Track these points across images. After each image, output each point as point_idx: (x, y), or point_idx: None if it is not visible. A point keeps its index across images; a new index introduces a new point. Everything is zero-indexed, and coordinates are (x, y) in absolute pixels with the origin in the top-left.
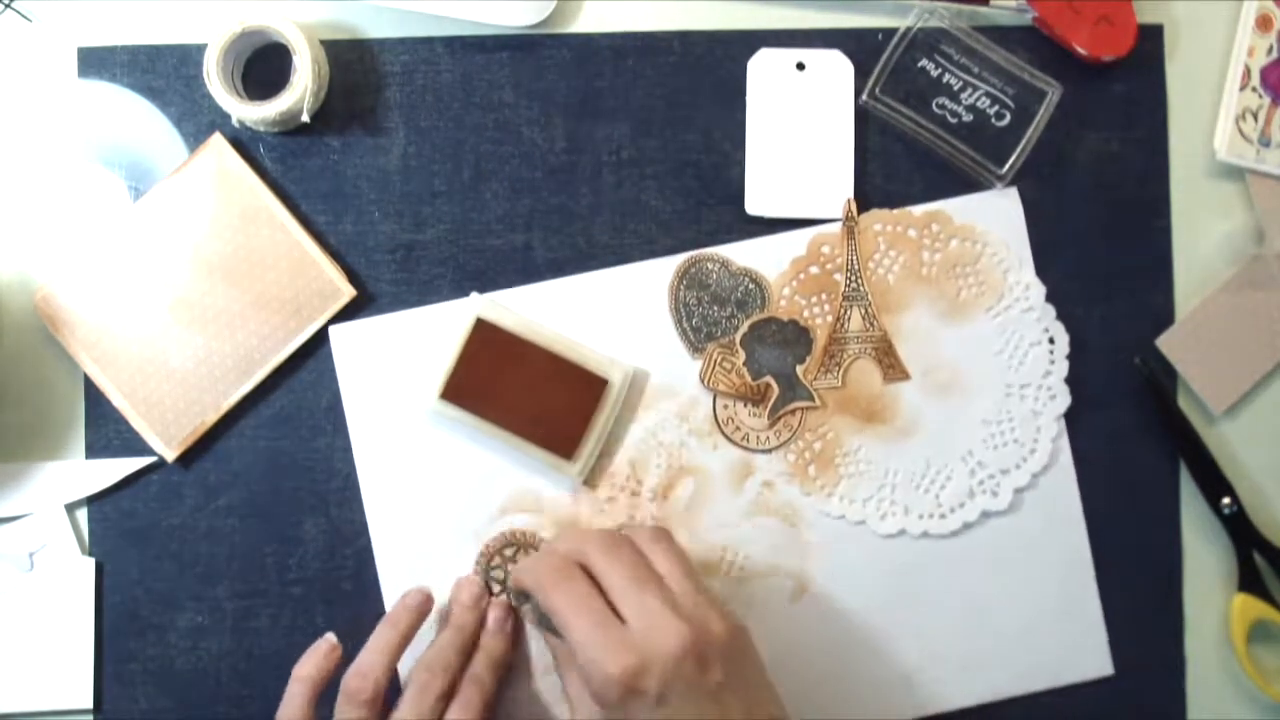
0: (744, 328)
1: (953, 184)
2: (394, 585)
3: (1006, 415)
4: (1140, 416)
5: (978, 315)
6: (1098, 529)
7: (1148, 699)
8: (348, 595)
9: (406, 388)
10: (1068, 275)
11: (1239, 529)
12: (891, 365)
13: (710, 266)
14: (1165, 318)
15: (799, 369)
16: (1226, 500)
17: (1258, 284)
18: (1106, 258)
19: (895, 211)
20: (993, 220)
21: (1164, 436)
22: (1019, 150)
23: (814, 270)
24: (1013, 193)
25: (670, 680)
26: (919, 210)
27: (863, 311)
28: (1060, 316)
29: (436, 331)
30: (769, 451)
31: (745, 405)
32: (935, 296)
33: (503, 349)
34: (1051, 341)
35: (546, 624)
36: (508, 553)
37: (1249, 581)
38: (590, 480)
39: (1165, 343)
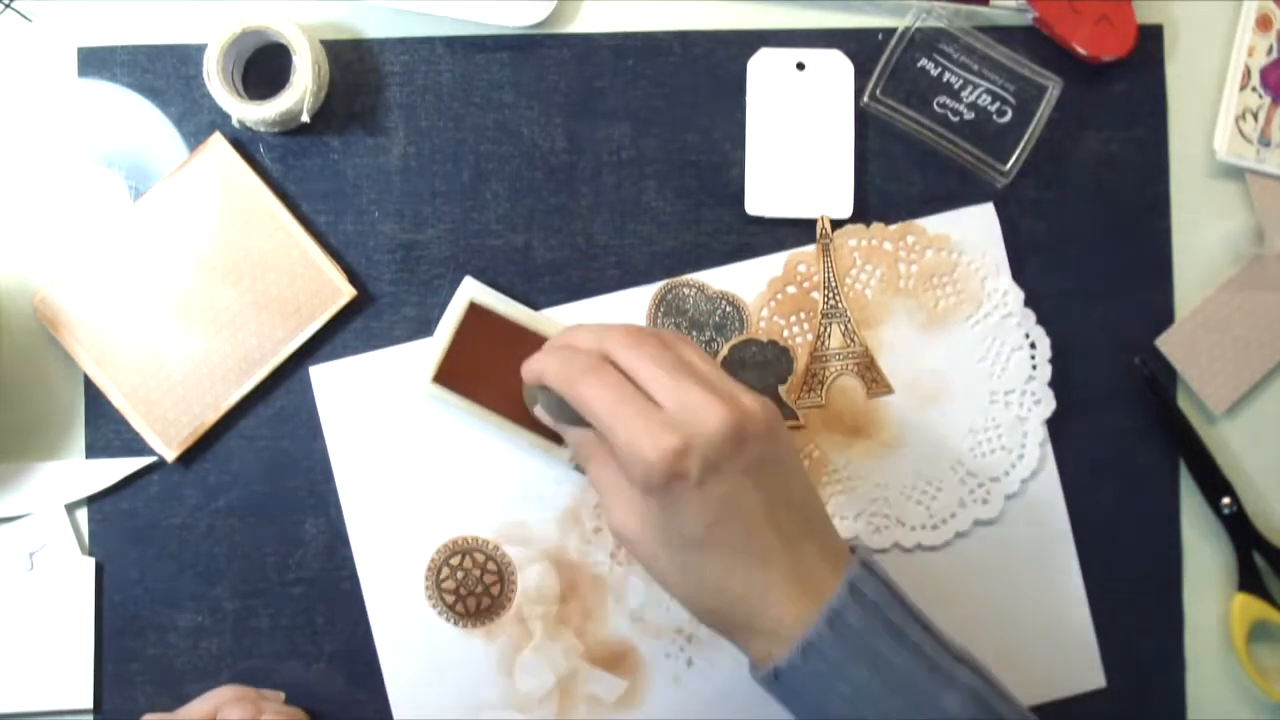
0: (724, 351)
1: (952, 184)
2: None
3: (992, 423)
4: (1140, 417)
5: (958, 324)
6: (1098, 529)
7: (1148, 699)
8: (348, 595)
9: (388, 426)
10: (1067, 275)
11: (1239, 529)
12: (874, 380)
13: (687, 292)
14: (1165, 318)
15: (781, 389)
16: (1226, 500)
17: (1258, 284)
18: (1106, 258)
19: (869, 226)
20: (968, 229)
21: (1164, 437)
22: (1021, 147)
23: (791, 290)
24: (987, 204)
25: (712, 459)
26: (893, 225)
27: (842, 328)
28: (1059, 317)
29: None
30: None
31: None
32: (914, 308)
33: (496, 333)
34: (1033, 346)
35: (566, 416)
36: (454, 561)
37: (1249, 581)
38: (575, 511)
39: (1165, 343)
